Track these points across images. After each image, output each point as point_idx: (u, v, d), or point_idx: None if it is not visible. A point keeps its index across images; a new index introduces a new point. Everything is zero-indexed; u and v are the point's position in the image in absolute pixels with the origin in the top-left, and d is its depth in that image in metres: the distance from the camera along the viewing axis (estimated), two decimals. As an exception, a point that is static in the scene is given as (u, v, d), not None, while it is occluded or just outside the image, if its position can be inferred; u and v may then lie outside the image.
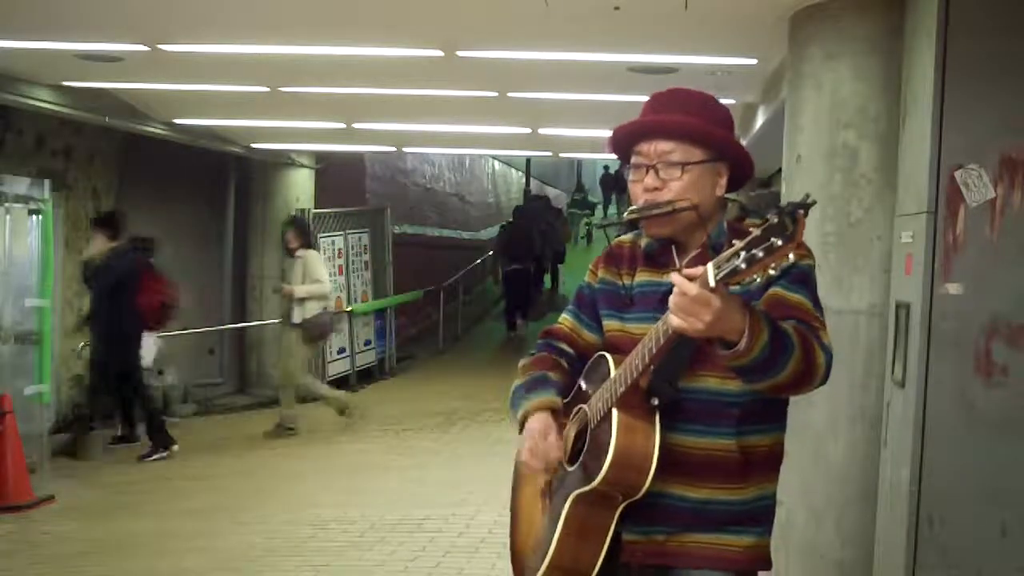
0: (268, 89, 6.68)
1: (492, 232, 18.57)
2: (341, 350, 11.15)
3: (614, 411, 1.89)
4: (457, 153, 16.20)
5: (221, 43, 5.33)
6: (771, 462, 2.03)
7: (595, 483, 1.89)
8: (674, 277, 1.66)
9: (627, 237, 2.18)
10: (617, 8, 4.17)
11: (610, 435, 1.87)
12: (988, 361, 3.03)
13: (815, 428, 3.72)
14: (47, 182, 7.25)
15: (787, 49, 4.10)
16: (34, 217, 7.02)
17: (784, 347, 1.75)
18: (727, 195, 2.06)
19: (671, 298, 1.67)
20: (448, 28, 4.97)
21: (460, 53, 5.34)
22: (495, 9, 4.51)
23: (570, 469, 2.02)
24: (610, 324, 2.11)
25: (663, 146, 1.98)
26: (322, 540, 5.34)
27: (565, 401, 2.12)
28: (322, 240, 10.89)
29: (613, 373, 1.93)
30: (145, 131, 8.11)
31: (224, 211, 10.57)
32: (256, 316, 10.82)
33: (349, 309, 11.23)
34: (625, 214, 2.04)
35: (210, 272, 10.58)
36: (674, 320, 1.67)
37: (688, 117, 2.01)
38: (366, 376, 11.62)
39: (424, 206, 15.45)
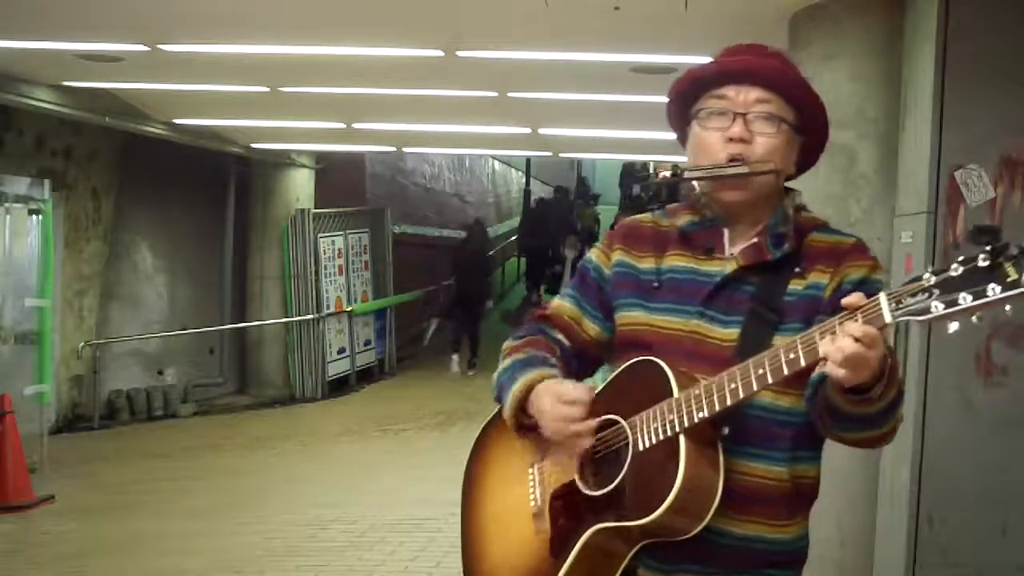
0: (268, 89, 6.68)
1: (491, 232, 18.64)
2: (341, 350, 11.15)
3: (682, 439, 1.51)
4: (457, 153, 16.20)
5: (221, 43, 5.33)
6: (813, 496, 1.70)
7: (642, 522, 1.52)
8: (857, 328, 1.35)
9: (645, 216, 1.81)
10: (617, 8, 4.17)
11: (675, 469, 1.50)
12: (988, 361, 3.03)
13: (815, 428, 3.72)
14: (47, 182, 7.27)
15: (787, 49, 4.11)
16: (34, 217, 7.03)
17: (901, 396, 1.50)
18: (788, 184, 1.74)
19: (836, 344, 1.36)
20: (448, 28, 4.97)
21: (460, 53, 5.35)
22: (495, 9, 4.52)
23: (590, 492, 1.63)
24: (632, 316, 1.71)
25: (758, 94, 1.63)
26: (322, 540, 5.35)
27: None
28: (322, 240, 10.91)
29: (677, 392, 1.54)
30: (145, 131, 8.12)
31: (224, 211, 10.57)
32: (256, 316, 10.83)
33: (349, 309, 11.24)
34: (704, 171, 1.64)
35: (210, 272, 10.59)
36: (836, 371, 1.37)
37: (794, 69, 1.69)
38: (366, 376, 11.63)
39: (424, 206, 15.45)
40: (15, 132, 7.55)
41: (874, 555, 3.50)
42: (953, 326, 1.30)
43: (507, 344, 1.84)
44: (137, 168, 9.08)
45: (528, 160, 20.63)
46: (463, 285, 12.10)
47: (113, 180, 8.95)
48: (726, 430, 1.56)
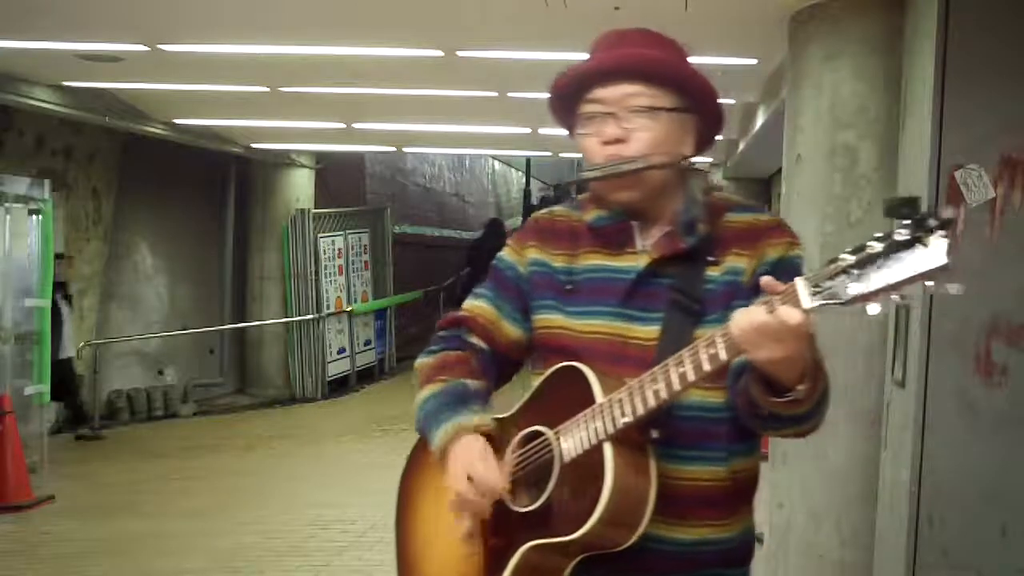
0: (268, 89, 6.68)
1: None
2: (341, 350, 11.16)
3: (607, 447, 1.44)
4: (457, 153, 16.21)
5: (221, 43, 5.33)
6: (753, 488, 1.65)
7: (573, 537, 1.44)
8: (782, 310, 1.27)
9: (560, 209, 1.72)
10: (617, 8, 4.17)
11: (601, 480, 1.42)
12: (988, 361, 3.03)
13: (815, 428, 3.71)
14: (47, 182, 7.26)
15: (787, 49, 4.10)
16: (34, 217, 7.03)
17: (827, 393, 1.44)
18: (693, 163, 1.65)
19: (745, 323, 1.29)
20: (448, 28, 4.97)
21: (460, 53, 5.34)
22: (495, 9, 4.51)
23: (519, 509, 1.55)
24: (550, 319, 1.63)
25: (627, 88, 1.56)
26: (322, 540, 5.35)
27: (500, 417, 1.64)
28: (322, 240, 10.92)
29: (600, 398, 1.47)
30: (145, 131, 8.12)
31: (224, 211, 10.58)
32: (256, 316, 10.84)
33: (349, 309, 11.24)
34: (585, 173, 1.59)
35: (210, 272, 10.59)
36: (761, 353, 1.30)
37: (659, 52, 1.62)
38: (366, 376, 11.63)
39: (424, 206, 15.46)
40: (15, 132, 7.55)
41: (874, 555, 3.50)
42: (874, 308, 1.21)
43: (421, 360, 1.73)
44: (137, 168, 9.08)
45: (528, 160, 20.67)
46: (474, 279, 12.30)
47: (113, 180, 8.94)
48: (655, 434, 1.48)
